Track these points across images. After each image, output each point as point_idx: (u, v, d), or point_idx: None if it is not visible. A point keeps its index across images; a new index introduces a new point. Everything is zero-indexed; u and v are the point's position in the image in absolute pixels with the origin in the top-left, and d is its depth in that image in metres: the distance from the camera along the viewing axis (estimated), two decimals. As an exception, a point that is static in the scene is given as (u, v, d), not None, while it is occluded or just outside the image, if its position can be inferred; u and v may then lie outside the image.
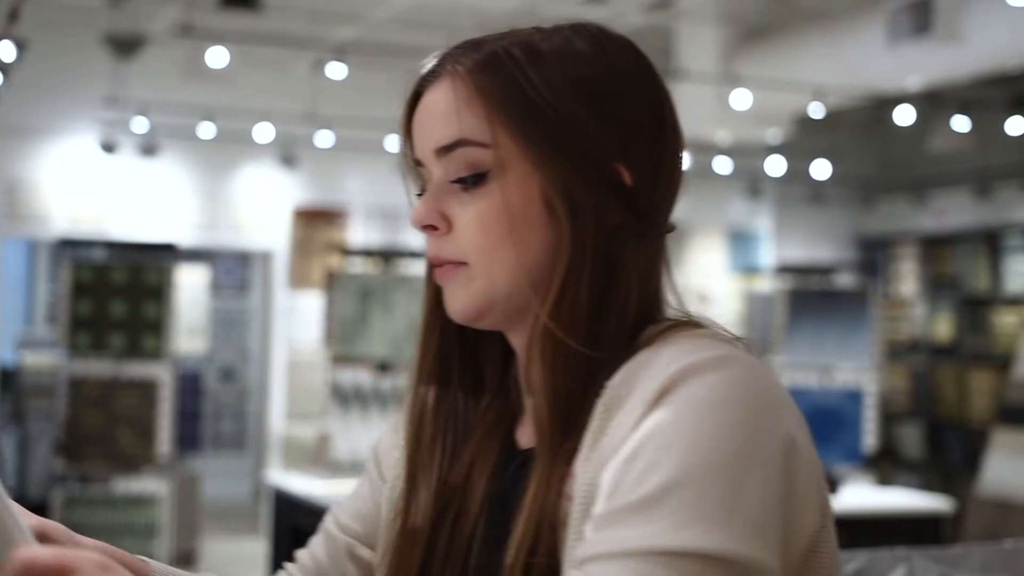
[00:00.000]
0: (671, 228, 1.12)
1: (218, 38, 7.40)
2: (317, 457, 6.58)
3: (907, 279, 11.38)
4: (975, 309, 10.87)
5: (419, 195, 1.14)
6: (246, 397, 11.90)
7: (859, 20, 7.26)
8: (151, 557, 1.11)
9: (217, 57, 7.32)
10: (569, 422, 1.03)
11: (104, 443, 7.18)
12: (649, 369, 1.00)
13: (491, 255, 1.07)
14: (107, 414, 7.19)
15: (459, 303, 1.10)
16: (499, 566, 1.05)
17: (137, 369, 7.28)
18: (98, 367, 7.22)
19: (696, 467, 0.93)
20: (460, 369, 1.18)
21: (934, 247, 11.17)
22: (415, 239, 10.00)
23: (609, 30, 1.13)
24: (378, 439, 1.30)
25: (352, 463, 6.23)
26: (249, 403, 11.83)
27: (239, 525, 10.16)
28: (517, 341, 1.13)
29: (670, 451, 0.94)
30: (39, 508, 9.39)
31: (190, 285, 9.31)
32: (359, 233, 10.09)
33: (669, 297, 1.11)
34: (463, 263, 1.09)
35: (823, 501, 1.01)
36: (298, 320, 9.96)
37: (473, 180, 1.08)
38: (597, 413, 1.01)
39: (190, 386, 11.37)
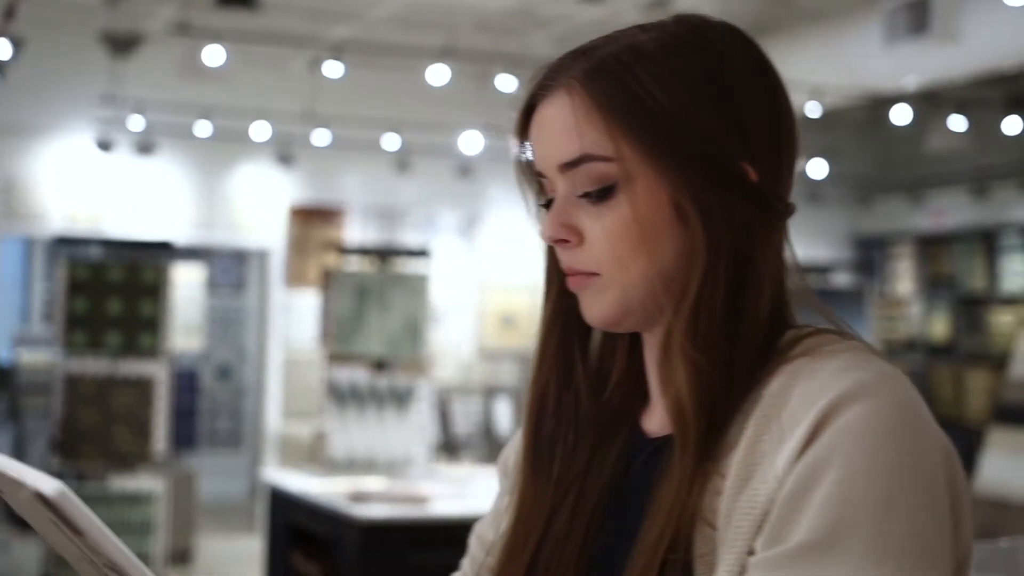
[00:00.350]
0: (792, 211, 1.12)
1: (215, 37, 7.40)
2: (313, 455, 6.58)
3: (904, 278, 11.39)
4: (972, 308, 10.88)
5: (543, 205, 1.15)
6: (242, 395, 11.89)
7: (856, 20, 7.26)
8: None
9: (214, 56, 7.32)
10: (712, 422, 1.04)
11: (100, 441, 7.17)
12: (808, 382, 1.00)
13: (624, 265, 1.08)
14: (103, 412, 7.19)
15: (596, 311, 1.11)
16: (621, 554, 1.07)
17: (133, 367, 7.27)
18: (94, 365, 7.22)
19: (873, 503, 0.94)
20: (582, 363, 1.19)
21: (931, 246, 11.18)
22: (412, 237, 10.00)
23: (711, 19, 1.13)
24: (505, 449, 1.31)
25: (348, 461, 6.23)
26: (245, 401, 11.83)
27: (235, 523, 10.16)
28: (652, 339, 1.14)
29: (844, 487, 0.95)
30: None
31: (186, 283, 9.31)
32: (356, 231, 10.08)
33: (793, 278, 1.12)
34: (595, 273, 1.10)
35: (970, 509, 1.03)
36: (294, 318, 9.96)
37: (600, 194, 1.08)
38: (754, 419, 1.02)
39: (186, 384, 11.37)
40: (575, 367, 1.19)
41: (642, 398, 1.18)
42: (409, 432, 6.38)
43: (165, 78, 8.76)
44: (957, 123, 8.35)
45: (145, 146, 9.02)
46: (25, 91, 8.71)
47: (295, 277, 10.00)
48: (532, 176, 1.15)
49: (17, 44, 6.24)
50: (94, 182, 9.38)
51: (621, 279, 1.08)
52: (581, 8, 8.33)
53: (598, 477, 1.15)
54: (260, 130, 8.90)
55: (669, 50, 1.08)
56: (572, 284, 1.13)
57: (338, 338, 6.50)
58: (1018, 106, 8.78)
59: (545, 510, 1.16)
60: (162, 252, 7.64)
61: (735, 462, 1.01)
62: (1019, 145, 9.40)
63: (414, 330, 6.60)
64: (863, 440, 0.95)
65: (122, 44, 8.53)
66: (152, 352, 7.29)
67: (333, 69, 7.64)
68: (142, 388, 7.27)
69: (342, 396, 6.34)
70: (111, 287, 7.27)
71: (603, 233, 1.08)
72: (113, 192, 9.44)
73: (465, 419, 9.70)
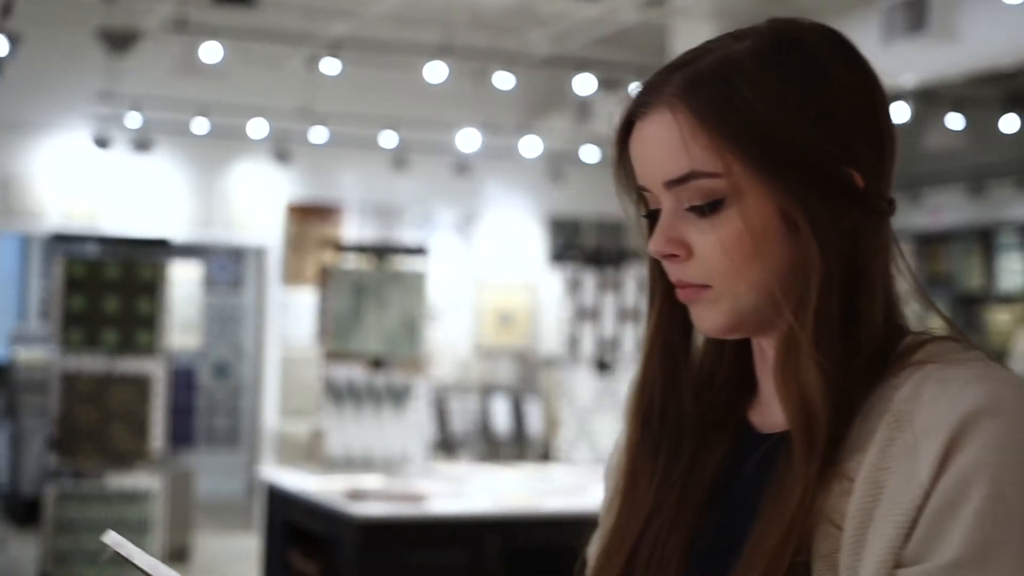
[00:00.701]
0: (894, 209, 1.12)
1: (212, 33, 7.39)
2: (311, 453, 6.58)
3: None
4: (969, 307, 10.87)
5: (645, 216, 1.16)
6: (239, 393, 11.89)
7: (854, 17, 7.26)
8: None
9: (211, 52, 7.31)
10: (835, 424, 1.06)
11: (97, 439, 7.17)
12: (940, 389, 1.02)
13: (740, 276, 1.09)
14: (100, 410, 7.18)
15: (709, 322, 1.13)
16: (729, 552, 1.08)
17: (130, 365, 7.27)
18: (91, 362, 7.21)
19: (1023, 519, 0.96)
20: (686, 367, 1.20)
21: (928, 245, 11.17)
22: (409, 235, 10.00)
23: (804, 22, 1.13)
24: (611, 456, 1.32)
25: (346, 459, 6.23)
26: (242, 399, 11.82)
27: (232, 521, 10.15)
28: (764, 343, 1.15)
29: (993, 504, 0.96)
30: (32, 503, 9.34)
31: (183, 281, 9.30)
32: (353, 229, 10.08)
33: (905, 277, 1.13)
34: (707, 286, 1.11)
35: None
36: (292, 316, 9.96)
37: (709, 207, 1.09)
38: (885, 423, 1.03)
39: (184, 382, 11.37)
40: (679, 372, 1.20)
41: (747, 394, 1.19)
42: (406, 430, 6.37)
43: (162, 75, 8.75)
44: (955, 121, 8.34)
45: (142, 143, 9.02)
46: (22, 88, 8.70)
47: (292, 275, 9.99)
48: (631, 189, 1.16)
49: (14, 41, 6.23)
50: (91, 179, 9.37)
51: (734, 290, 1.10)
52: (579, 6, 8.32)
53: (702, 474, 1.17)
54: (257, 127, 8.90)
55: (766, 59, 1.09)
56: (683, 296, 1.13)
57: (336, 336, 6.50)
58: (1015, 104, 8.79)
59: (646, 509, 1.17)
60: (159, 249, 7.63)
61: (866, 465, 1.02)
62: (1016, 143, 9.40)
63: (411, 328, 6.59)
64: (1008, 455, 0.97)
65: (119, 41, 8.52)
66: (149, 350, 7.28)
67: (330, 66, 7.63)
68: (139, 386, 7.27)
69: (339, 394, 6.34)
70: (108, 285, 7.26)
71: (715, 247, 1.09)
72: (110, 189, 9.43)
73: (462, 417, 9.69)
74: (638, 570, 1.16)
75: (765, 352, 1.15)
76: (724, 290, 1.10)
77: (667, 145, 1.10)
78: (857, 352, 1.07)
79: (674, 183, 1.10)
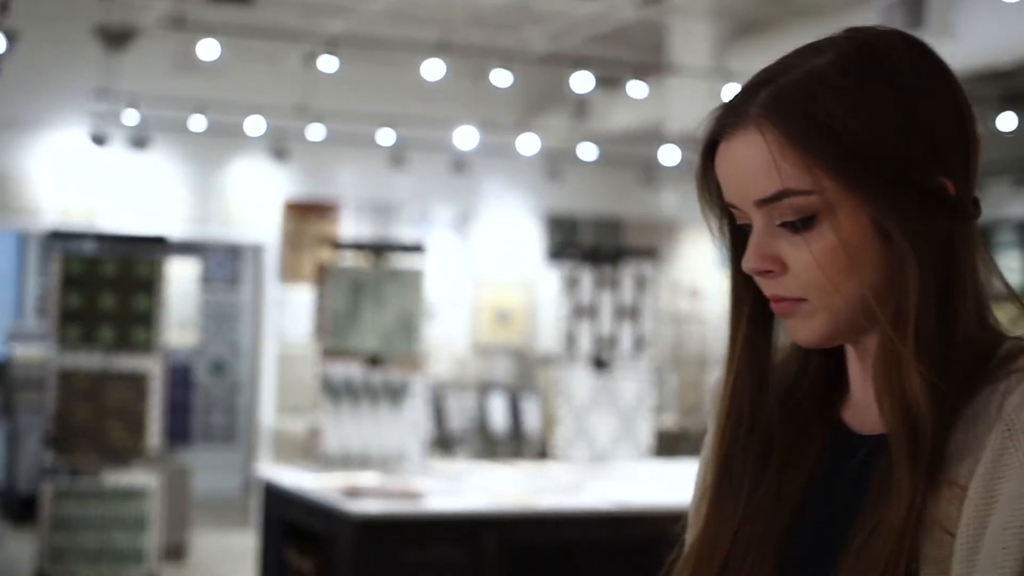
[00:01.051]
0: (980, 211, 1.13)
1: (209, 31, 7.39)
2: (307, 450, 6.58)
3: (898, 275, 11.39)
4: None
5: (730, 229, 1.17)
6: (236, 390, 11.88)
7: (851, 15, 7.26)
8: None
9: (208, 50, 7.30)
10: (938, 435, 1.07)
11: (94, 436, 7.16)
12: None
13: (836, 288, 1.10)
14: (97, 407, 7.18)
15: (806, 334, 1.14)
16: (827, 552, 1.09)
17: (127, 362, 7.26)
18: (88, 360, 7.20)
19: None
20: (771, 376, 1.21)
21: (925, 243, 11.18)
22: (406, 232, 9.99)
23: (881, 30, 1.13)
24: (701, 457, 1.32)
25: (342, 457, 6.23)
26: (239, 396, 11.82)
27: (229, 518, 10.15)
28: (858, 348, 1.16)
29: None
30: (29, 501, 9.34)
31: (181, 278, 9.30)
32: (350, 226, 10.08)
33: (994, 281, 1.15)
34: (802, 299, 1.12)
35: None
36: (289, 313, 9.95)
37: (802, 223, 1.10)
38: (997, 431, 1.04)
39: (180, 379, 11.36)
40: (767, 378, 1.20)
41: (835, 394, 1.20)
42: (403, 427, 6.37)
43: (159, 72, 8.74)
44: (952, 119, 8.32)
45: (139, 140, 9.01)
46: (19, 85, 8.69)
47: (289, 272, 9.99)
48: (715, 205, 1.17)
49: (11, 38, 6.23)
50: (88, 176, 9.37)
51: (830, 302, 1.11)
52: (577, 3, 8.32)
53: (795, 476, 1.17)
54: (254, 125, 8.89)
55: (850, 72, 1.09)
56: (778, 310, 1.14)
57: (333, 333, 6.49)
58: (1013, 102, 8.79)
59: (739, 513, 1.18)
60: (156, 247, 7.62)
61: (979, 474, 1.03)
62: (1013, 142, 9.40)
63: (408, 325, 6.59)
64: None
65: (116, 38, 8.52)
66: (146, 347, 7.28)
67: (328, 64, 7.62)
68: (136, 383, 7.26)
69: (336, 391, 6.34)
70: (105, 282, 7.26)
71: (810, 261, 1.10)
72: (107, 187, 9.42)
73: (459, 414, 9.70)
74: (731, 571, 1.16)
75: (860, 357, 1.15)
76: (820, 303, 1.11)
77: (757, 164, 1.10)
78: (955, 358, 1.08)
79: (766, 201, 1.10)
